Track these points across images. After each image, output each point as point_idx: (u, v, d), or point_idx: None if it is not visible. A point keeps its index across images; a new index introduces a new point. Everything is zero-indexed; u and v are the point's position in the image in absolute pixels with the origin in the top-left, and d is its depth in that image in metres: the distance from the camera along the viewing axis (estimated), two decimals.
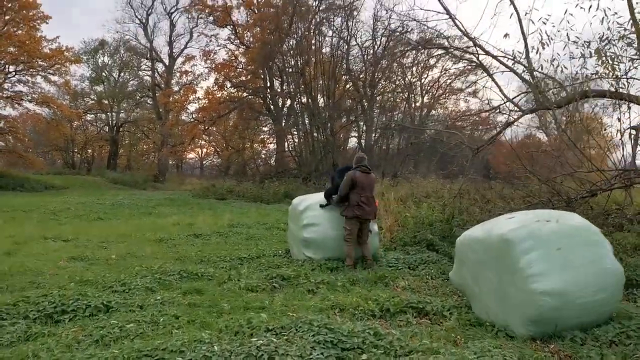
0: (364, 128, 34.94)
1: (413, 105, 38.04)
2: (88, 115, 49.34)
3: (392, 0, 38.34)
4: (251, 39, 39.65)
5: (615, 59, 7.83)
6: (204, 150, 59.11)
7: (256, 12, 39.12)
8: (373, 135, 35.16)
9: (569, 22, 8.15)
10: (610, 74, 8.11)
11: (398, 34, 32.94)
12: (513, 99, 11.13)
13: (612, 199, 8.87)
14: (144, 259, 8.75)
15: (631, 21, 8.17)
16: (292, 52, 33.48)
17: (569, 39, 8.25)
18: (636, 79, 8.35)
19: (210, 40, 42.75)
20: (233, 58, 41.24)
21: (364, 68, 34.55)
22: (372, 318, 5.51)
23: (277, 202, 23.60)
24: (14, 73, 34.72)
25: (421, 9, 9.93)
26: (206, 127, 39.46)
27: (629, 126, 8.21)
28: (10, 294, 6.02)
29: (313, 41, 33.42)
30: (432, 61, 36.20)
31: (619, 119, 7.85)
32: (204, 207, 20.92)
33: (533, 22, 8.72)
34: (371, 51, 33.97)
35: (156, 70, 49.93)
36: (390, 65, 34.48)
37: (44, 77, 35.86)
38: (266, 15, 36.08)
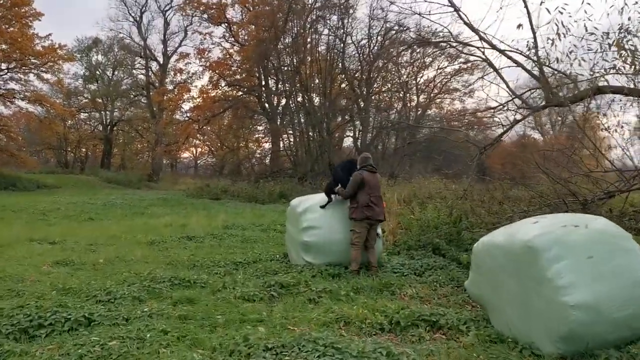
0: (360, 127, 34.57)
1: (408, 105, 37.77)
2: (81, 113, 48.83)
3: None
4: (246, 37, 39.18)
5: (636, 52, 7.34)
6: (199, 149, 58.61)
7: (251, 9, 38.64)
8: (369, 134, 34.78)
9: (586, 12, 7.67)
10: (629, 67, 7.63)
11: (394, 32, 33.09)
12: (521, 94, 10.65)
13: (629, 200, 8.41)
14: (133, 264, 8.24)
15: None
16: (287, 50, 32.97)
17: (586, 30, 7.77)
18: None
19: (205, 38, 42.26)
20: (228, 56, 40.74)
21: (359, 67, 34.22)
22: (381, 332, 5.01)
23: (272, 202, 23.10)
24: (6, 71, 34.06)
25: (425, 0, 9.53)
26: (201, 126, 38.91)
27: None
28: None
29: (309, 39, 32.96)
30: (427, 60, 36.23)
31: (639, 117, 7.37)
32: (198, 208, 20.39)
33: (548, 11, 8.19)
34: (367, 50, 33.62)
35: (150, 69, 49.36)
36: (387, 63, 34.12)
37: (36, 75, 35.26)
38: (261, 12, 35.57)
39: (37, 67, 34.68)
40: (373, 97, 35.52)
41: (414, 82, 37.66)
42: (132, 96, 50.47)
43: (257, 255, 8.87)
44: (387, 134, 36.20)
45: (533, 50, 10.32)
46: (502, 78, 10.89)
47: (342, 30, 32.31)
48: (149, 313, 5.18)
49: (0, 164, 36.16)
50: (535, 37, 10.35)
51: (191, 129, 39.32)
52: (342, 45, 32.51)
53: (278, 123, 35.19)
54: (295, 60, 31.60)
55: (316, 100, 32.29)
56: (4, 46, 32.56)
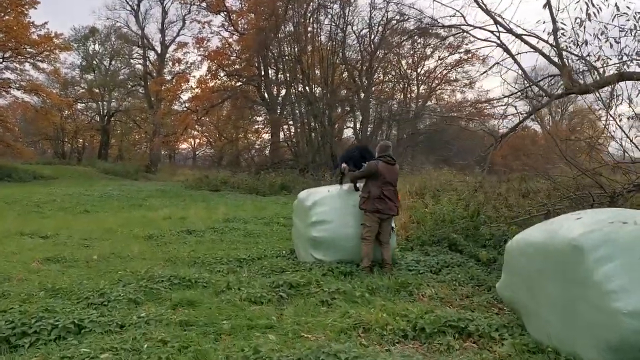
0: (361, 118, 34.04)
1: (409, 96, 37.28)
2: (78, 104, 47.98)
3: None
4: (245, 26, 38.41)
5: None
6: (197, 140, 57.94)
7: None
8: (370, 125, 34.23)
9: None
10: None
11: (395, 23, 32.57)
12: (538, 81, 10.11)
13: None
14: (129, 261, 7.72)
15: None
16: (288, 39, 32.30)
17: (617, 10, 7.21)
18: None
19: (204, 27, 41.36)
20: (227, 45, 39.98)
21: (360, 57, 33.62)
22: (404, 340, 4.51)
23: (274, 194, 22.54)
24: (1, 60, 33.36)
25: None
26: (199, 117, 38.23)
27: None
28: None
29: (310, 28, 32.30)
30: (428, 51, 35.81)
31: None
32: (197, 200, 19.84)
33: None
34: (368, 40, 33.02)
35: (148, 59, 48.52)
36: (389, 53, 33.58)
37: (32, 65, 34.56)
38: (261, 0, 34.81)
39: (33, 56, 33.97)
40: (373, 88, 34.96)
41: (414, 72, 37.28)
42: (129, 86, 49.65)
43: (262, 252, 8.35)
44: (389, 125, 35.70)
45: (552, 36, 9.81)
46: (518, 64, 10.31)
47: (343, 20, 31.70)
48: (146, 319, 4.65)
49: None
50: (554, 21, 9.80)
51: (189, 120, 38.61)
52: (343, 35, 31.91)
53: (278, 113, 34.55)
54: (296, 49, 30.92)
55: (317, 90, 31.66)
56: None
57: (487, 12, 10.31)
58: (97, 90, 46.98)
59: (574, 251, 4.00)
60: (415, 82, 37.34)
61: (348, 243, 7.26)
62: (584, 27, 7.65)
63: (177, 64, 46.61)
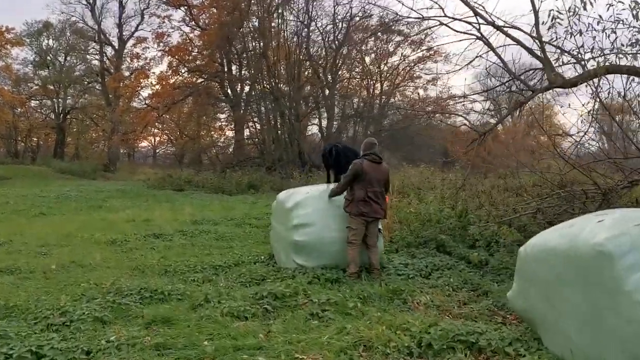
0: (326, 115, 33.71)
1: (372, 92, 37.09)
2: (32, 101, 46.16)
3: None
4: (207, 21, 37.42)
5: None
6: (157, 138, 56.44)
7: None
8: (335, 122, 33.90)
9: None
10: None
11: (359, 19, 32.39)
12: (520, 75, 9.81)
13: None
14: (92, 270, 7.04)
15: None
16: (252, 34, 31.57)
17: None
18: None
19: (163, 22, 40.10)
20: (188, 41, 38.89)
21: (324, 53, 33.23)
22: (410, 358, 4.04)
23: (241, 193, 21.83)
24: None
25: None
26: (160, 114, 37.10)
27: None
28: None
29: (273, 24, 31.65)
30: (391, 48, 35.73)
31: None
32: (161, 200, 19.00)
33: None
34: (332, 36, 32.67)
35: (105, 54, 46.89)
36: (352, 51, 33.34)
37: None
38: None
39: None
40: (338, 85, 34.63)
41: (377, 69, 37.15)
42: (85, 83, 47.91)
43: (238, 257, 7.77)
44: (355, 122, 35.51)
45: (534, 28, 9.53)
46: (499, 57, 10.01)
47: (307, 16, 31.20)
48: (116, 343, 4.04)
49: None
50: (536, 12, 9.53)
51: (150, 117, 37.45)
52: (307, 31, 31.42)
53: (242, 110, 33.79)
54: (261, 44, 30.21)
55: (282, 86, 31.02)
56: None
57: (467, 3, 9.97)
58: (51, 87, 45.16)
59: (599, 257, 3.60)
60: (379, 79, 37.17)
61: (332, 247, 6.76)
62: (579, 16, 7.29)
63: (135, 60, 45.23)
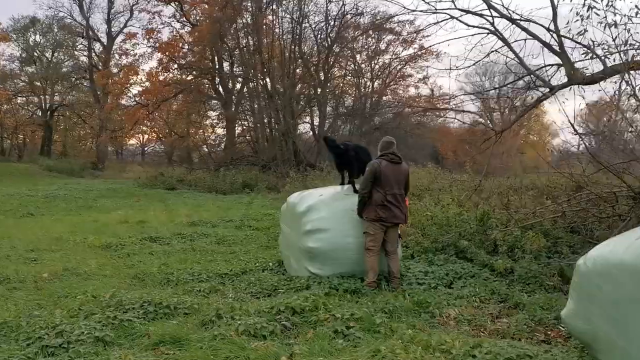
0: (318, 113, 33.26)
1: (363, 91, 36.70)
2: (18, 98, 45.14)
3: None
4: (199, 17, 36.75)
5: None
6: (146, 136, 55.61)
7: None
8: (327, 121, 33.46)
9: None
10: None
11: (350, 17, 32.05)
12: (536, 70, 9.38)
13: None
14: (88, 279, 6.51)
15: None
16: (245, 30, 30.97)
17: None
18: None
19: (153, 18, 39.31)
20: (178, 37, 38.17)
21: (316, 51, 32.77)
22: None
23: (235, 192, 21.22)
24: None
25: None
26: (151, 111, 36.37)
27: None
28: None
29: (265, 20, 31.08)
30: (382, 46, 35.42)
31: None
32: (153, 199, 18.39)
33: None
34: (324, 34, 32.19)
35: (93, 50, 46.03)
36: (343, 49, 32.97)
37: None
38: None
39: None
40: (329, 84, 34.18)
41: (369, 68, 36.83)
42: (73, 79, 46.90)
43: (245, 264, 7.26)
44: (346, 121, 35.16)
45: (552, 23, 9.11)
46: (514, 52, 9.60)
47: (299, 13, 30.69)
48: None
49: None
50: (554, 6, 9.12)
51: (140, 114, 36.69)
52: (299, 28, 30.90)
53: (233, 108, 33.20)
54: (255, 41, 29.61)
55: (277, 84, 30.48)
56: None
57: None
58: (38, 84, 44.19)
59: None
60: (370, 77, 36.82)
61: (348, 254, 6.28)
62: (613, 8, 6.84)
63: (124, 56, 44.48)
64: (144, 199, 18.16)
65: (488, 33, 9.91)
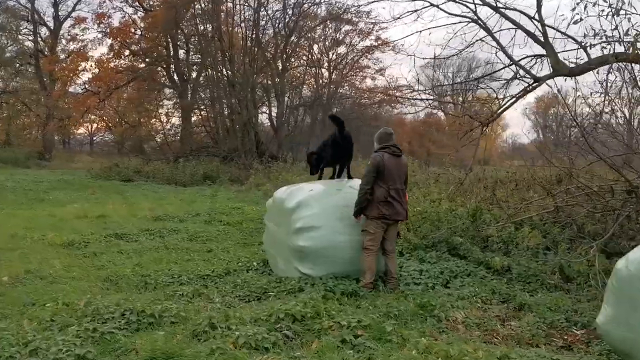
0: (276, 103, 32.83)
1: (320, 82, 36.54)
2: None
3: None
4: (152, 2, 35.51)
5: None
6: (95, 125, 53.58)
7: None
8: (285, 111, 33.01)
9: None
10: None
11: (308, 6, 31.67)
12: (519, 61, 9.21)
13: None
14: (54, 283, 5.88)
15: None
16: (203, 17, 30.04)
17: None
18: None
19: (104, 2, 37.74)
20: (131, 22, 36.77)
21: (275, 41, 32.22)
22: None
23: (196, 184, 20.48)
24: None
25: None
26: (102, 99, 34.93)
27: None
28: None
29: (224, 7, 30.24)
30: (340, 37, 35.26)
31: None
32: (110, 192, 17.45)
33: None
34: (282, 23, 31.69)
35: (39, 35, 43.87)
36: (301, 39, 32.66)
37: None
38: None
39: None
40: (286, 74, 33.71)
41: (326, 58, 36.63)
42: (17, 65, 44.74)
43: (226, 264, 6.78)
44: (304, 111, 34.91)
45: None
46: (497, 41, 9.46)
47: (258, 1, 29.99)
48: None
49: None
50: None
51: (90, 102, 35.18)
52: (256, 16, 30.23)
53: (190, 96, 32.26)
54: (214, 27, 28.71)
55: (236, 72, 29.75)
56: None
57: None
58: None
59: None
60: (327, 68, 36.64)
61: (342, 254, 5.91)
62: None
63: (73, 42, 42.51)
64: (99, 191, 17.22)
65: (469, 21, 9.69)
